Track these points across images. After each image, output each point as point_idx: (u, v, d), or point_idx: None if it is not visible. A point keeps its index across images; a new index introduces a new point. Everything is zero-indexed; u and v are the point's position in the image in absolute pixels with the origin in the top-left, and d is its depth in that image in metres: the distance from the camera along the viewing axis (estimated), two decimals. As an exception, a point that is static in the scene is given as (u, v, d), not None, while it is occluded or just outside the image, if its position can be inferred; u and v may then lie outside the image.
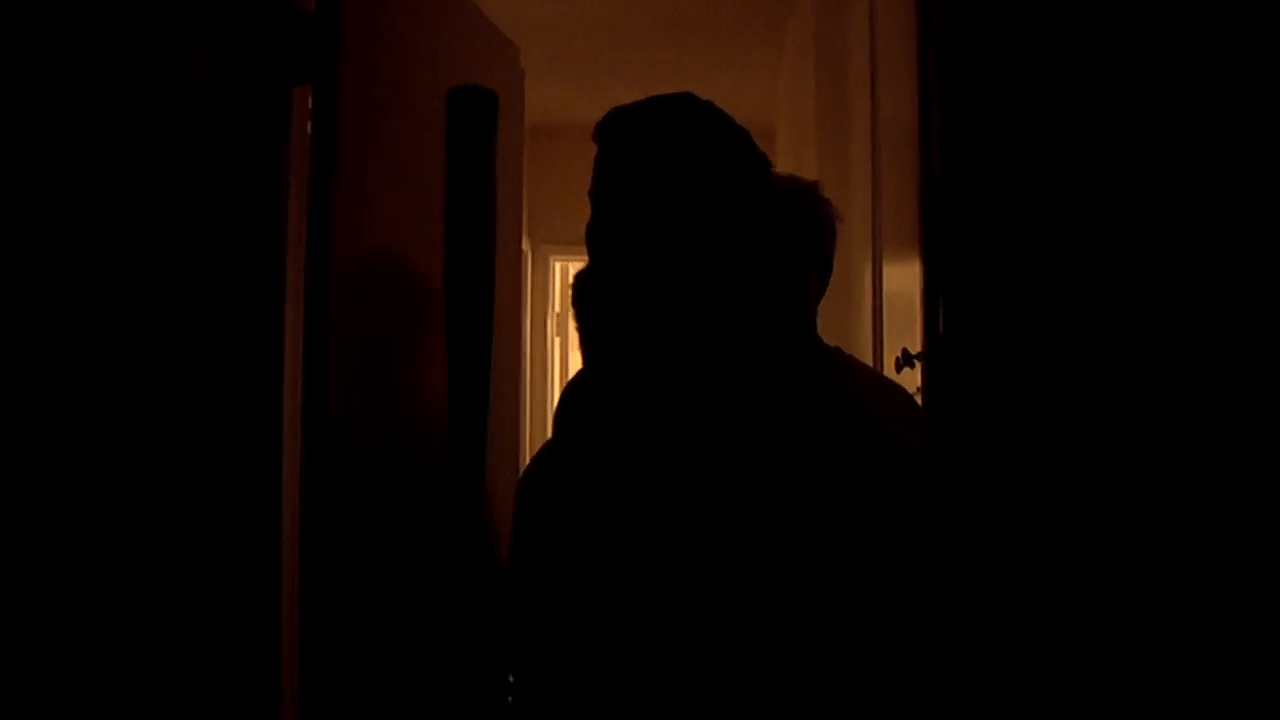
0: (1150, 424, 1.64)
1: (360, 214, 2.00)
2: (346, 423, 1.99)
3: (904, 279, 2.16)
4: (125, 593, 1.78)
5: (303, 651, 1.88)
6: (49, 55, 1.79)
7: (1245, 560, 1.62)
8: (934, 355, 1.72)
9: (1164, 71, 1.68)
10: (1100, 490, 1.64)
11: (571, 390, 1.67)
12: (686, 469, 1.47)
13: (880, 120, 2.71)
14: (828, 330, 3.47)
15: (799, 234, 1.78)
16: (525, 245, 5.90)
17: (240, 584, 1.83)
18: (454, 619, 2.05)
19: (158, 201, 1.82)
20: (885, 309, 2.65)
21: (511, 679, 2.00)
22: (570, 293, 2.44)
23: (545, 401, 6.16)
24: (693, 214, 1.49)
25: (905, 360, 2.10)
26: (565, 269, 6.45)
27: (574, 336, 6.79)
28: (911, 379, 1.96)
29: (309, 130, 1.90)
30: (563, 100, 5.27)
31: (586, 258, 1.57)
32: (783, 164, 4.63)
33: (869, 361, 2.79)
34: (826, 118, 3.58)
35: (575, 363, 6.48)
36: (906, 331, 2.14)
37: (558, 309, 6.38)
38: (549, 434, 5.64)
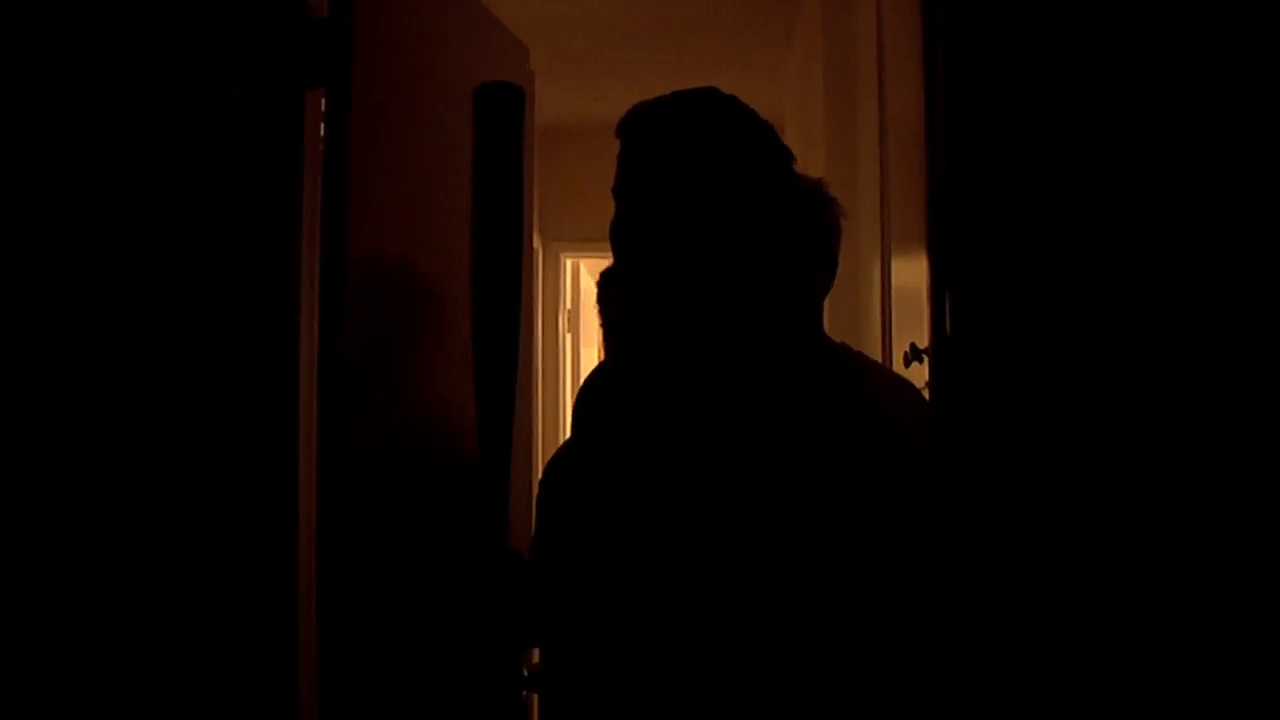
0: (1156, 420, 1.65)
1: (373, 214, 2.02)
2: (363, 422, 2.00)
3: (912, 274, 2.17)
4: (125, 592, 1.79)
5: (320, 651, 1.89)
6: (49, 55, 1.80)
7: (1257, 558, 1.62)
8: (940, 352, 1.72)
9: (1168, 69, 1.69)
10: (1106, 487, 1.65)
11: (591, 385, 1.68)
12: (708, 461, 1.48)
13: (888, 118, 2.72)
14: (837, 325, 3.49)
15: (810, 230, 1.80)
16: (536, 243, 5.92)
17: (249, 583, 1.83)
18: (471, 616, 2.06)
19: (157, 201, 1.83)
20: (894, 304, 2.66)
21: (528, 672, 2.02)
22: (596, 290, 2.45)
23: (557, 398, 6.17)
24: (718, 208, 1.49)
25: (913, 355, 2.11)
26: (576, 266, 6.46)
27: (585, 334, 6.80)
28: (919, 373, 1.97)
29: (322, 133, 1.92)
30: (570, 101, 5.28)
31: (598, 255, 1.59)
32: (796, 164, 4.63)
33: (878, 355, 2.80)
34: (835, 116, 3.59)
35: (587, 359, 6.49)
36: (915, 326, 2.15)
37: (568, 306, 6.39)
38: (562, 430, 5.65)
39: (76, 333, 1.81)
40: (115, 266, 1.82)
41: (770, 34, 4.67)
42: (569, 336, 6.40)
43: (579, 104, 5.29)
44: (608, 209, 1.58)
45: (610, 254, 1.60)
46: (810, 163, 3.95)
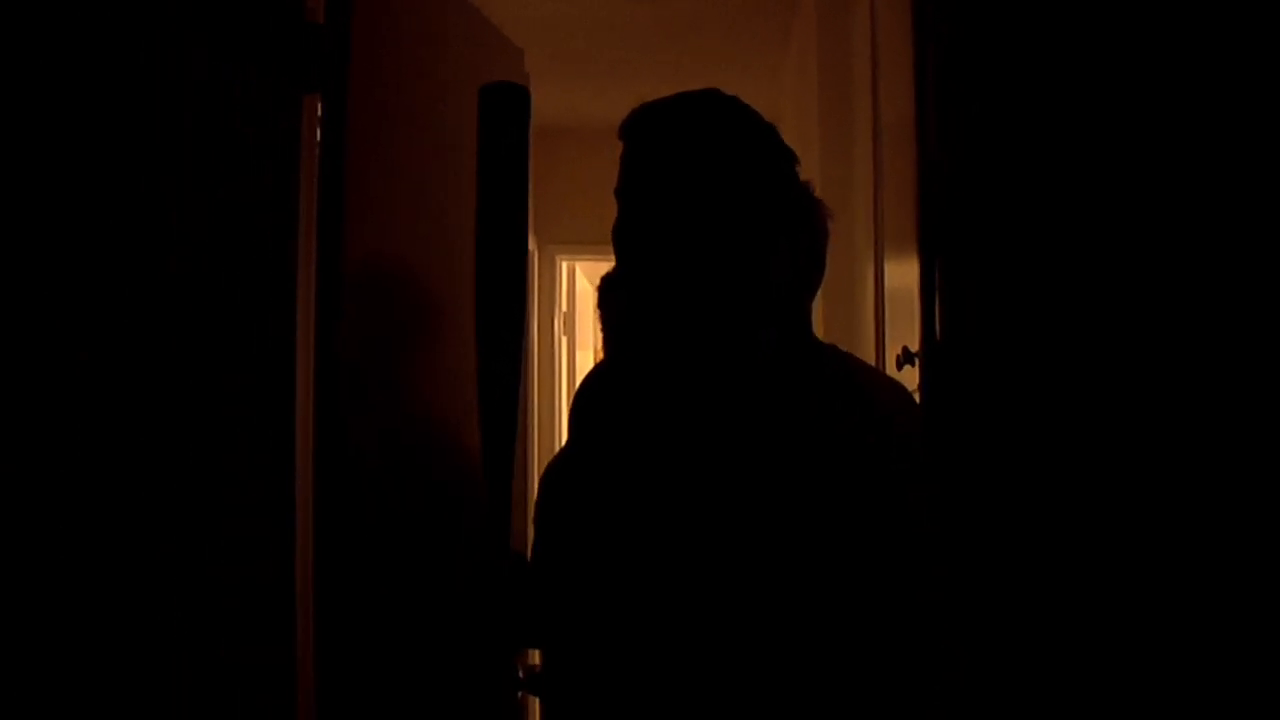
0: (1143, 426, 1.66)
1: (370, 216, 2.04)
2: (360, 422, 2.01)
3: (905, 276, 2.18)
4: (123, 592, 1.79)
5: (318, 651, 1.89)
6: (49, 55, 1.81)
7: (1244, 560, 1.63)
8: (930, 358, 1.73)
9: (1158, 72, 1.70)
10: (1093, 489, 1.66)
11: (587, 388, 1.68)
12: (710, 463, 1.48)
13: (882, 119, 2.74)
14: (832, 327, 3.51)
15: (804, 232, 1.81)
16: (532, 245, 5.93)
17: (247, 583, 1.83)
18: (468, 616, 2.07)
19: (157, 201, 1.83)
20: (887, 306, 2.67)
21: (524, 674, 2.03)
22: (596, 295, 2.45)
23: (552, 400, 6.18)
24: (722, 210, 1.49)
25: (906, 358, 2.12)
26: (571, 269, 6.47)
27: (580, 336, 6.78)
28: (912, 376, 1.98)
29: (318, 136, 1.93)
30: (566, 102, 5.28)
31: (594, 258, 1.59)
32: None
33: (871, 357, 2.82)
34: (830, 117, 3.61)
35: (583, 362, 6.50)
36: (908, 329, 2.17)
37: (564, 309, 6.40)
38: (558, 433, 5.64)
39: (76, 332, 1.81)
40: (116, 266, 1.83)
41: (768, 34, 4.68)
42: (564, 339, 6.41)
43: (575, 105, 5.29)
44: (604, 211, 1.58)
45: (609, 257, 1.60)
46: (806, 164, 3.96)
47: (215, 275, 1.84)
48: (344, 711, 1.92)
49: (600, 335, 2.43)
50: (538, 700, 2.33)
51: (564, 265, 6.31)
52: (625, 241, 1.53)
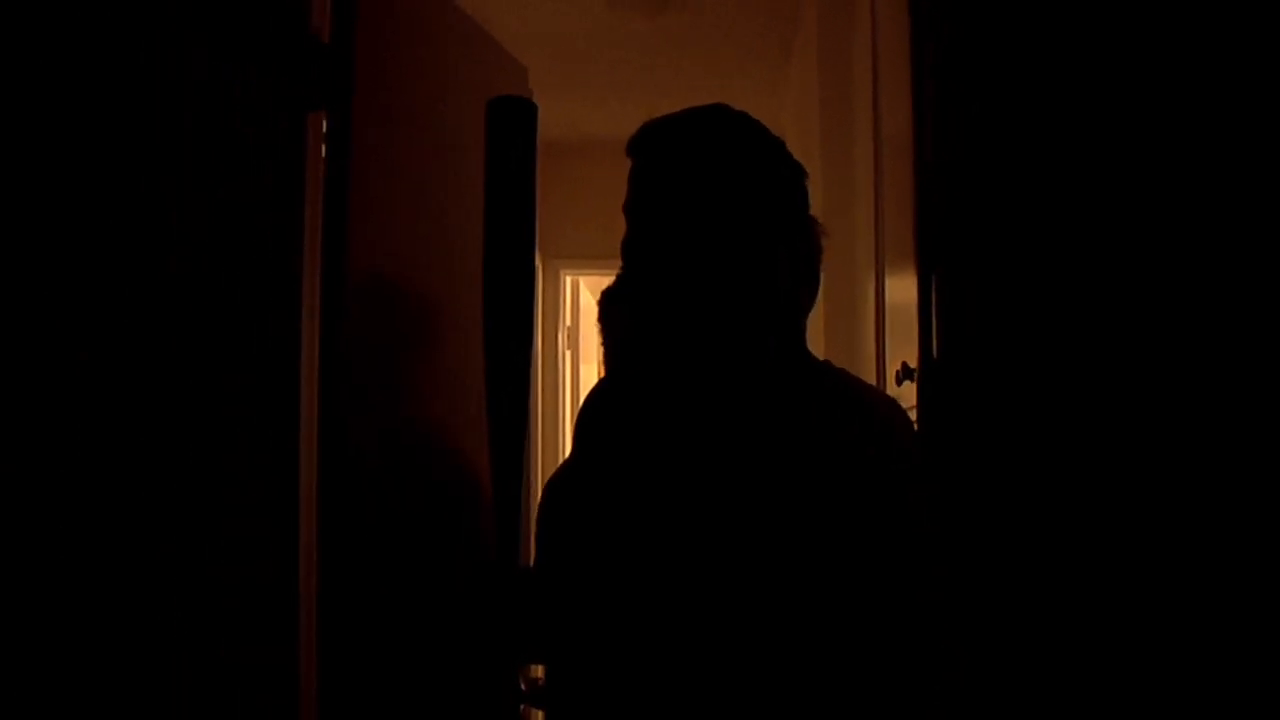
0: (1137, 445, 1.66)
1: (373, 227, 2.06)
2: (363, 424, 2.03)
3: (906, 292, 2.20)
4: (124, 592, 1.79)
5: (321, 651, 1.91)
6: (50, 55, 1.80)
7: (1236, 576, 1.64)
8: (927, 374, 1.73)
9: (1159, 76, 1.70)
10: (1089, 507, 1.66)
11: (592, 403, 1.69)
12: (718, 473, 1.49)
13: (882, 131, 2.75)
14: (833, 342, 3.52)
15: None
16: (536, 260, 5.95)
17: (247, 584, 1.84)
18: (470, 624, 2.07)
19: (157, 201, 1.85)
20: (888, 321, 2.68)
21: (526, 686, 2.03)
22: (598, 309, 2.46)
23: (556, 413, 6.19)
24: (729, 224, 1.51)
25: (905, 373, 2.13)
26: (575, 283, 6.48)
27: (585, 350, 6.80)
28: (911, 392, 1.99)
29: (323, 153, 1.96)
30: (570, 117, 5.31)
31: (598, 272, 1.60)
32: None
33: (872, 373, 2.83)
34: (831, 130, 3.63)
35: (586, 376, 6.51)
36: (908, 344, 2.18)
37: (568, 323, 6.41)
38: (561, 446, 5.65)
39: (76, 332, 1.81)
40: (116, 266, 1.83)
41: (770, 50, 4.70)
42: (569, 353, 6.42)
43: (579, 121, 5.31)
44: (608, 225, 1.59)
45: (614, 271, 1.61)
46: (809, 179, 3.98)
47: (215, 276, 1.86)
48: (346, 712, 1.93)
49: (602, 349, 2.44)
50: (541, 714, 2.33)
51: (568, 279, 6.33)
52: (635, 255, 1.54)
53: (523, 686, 1.98)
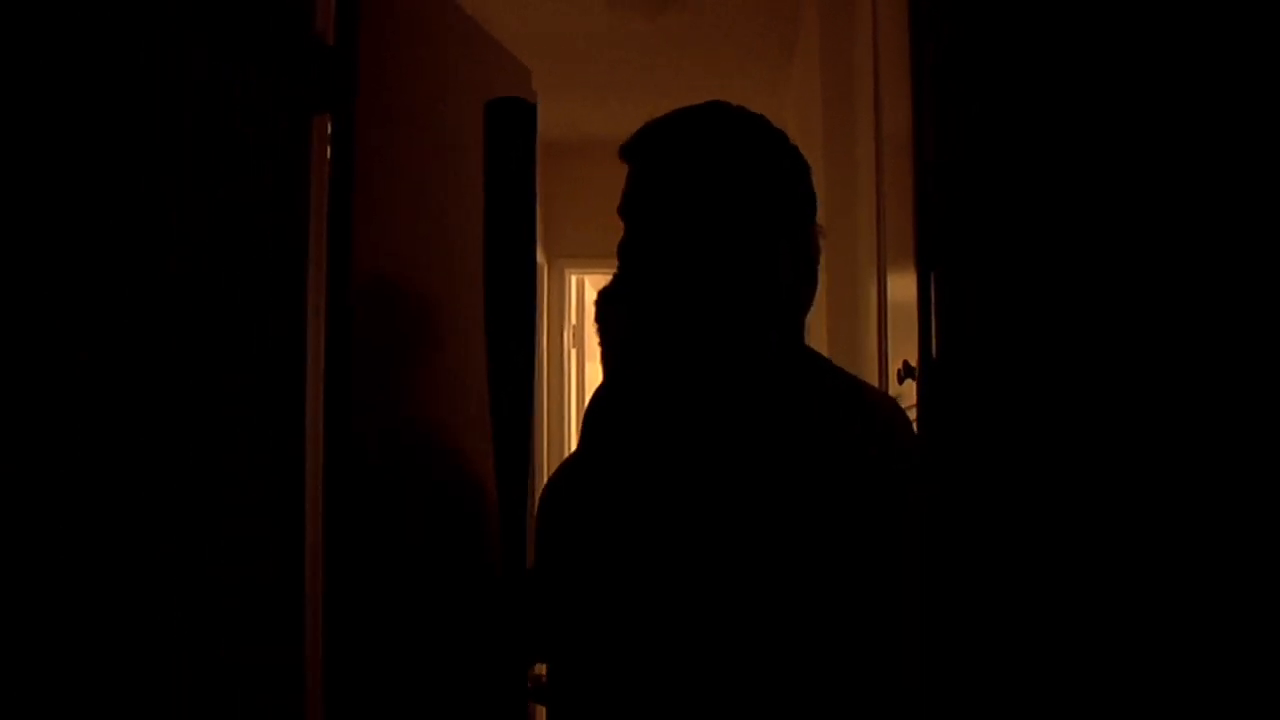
0: (1137, 447, 1.66)
1: (378, 228, 2.08)
2: (369, 425, 2.04)
3: (907, 290, 2.20)
4: (122, 591, 1.79)
5: (326, 652, 1.91)
6: (51, 55, 1.83)
7: (1236, 585, 1.64)
8: (926, 374, 1.73)
9: (1160, 76, 1.71)
10: (1090, 509, 1.66)
11: (598, 402, 1.69)
12: (722, 470, 1.48)
13: (883, 134, 2.77)
14: (835, 341, 3.53)
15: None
16: (541, 259, 5.96)
17: (249, 584, 1.84)
18: (477, 623, 2.08)
19: (157, 201, 1.85)
20: (890, 320, 2.70)
21: (533, 684, 2.04)
22: (594, 309, 2.47)
23: (562, 412, 6.21)
24: (730, 220, 1.51)
25: (907, 372, 2.14)
26: (580, 282, 6.50)
27: (590, 349, 6.85)
28: (913, 391, 1.99)
29: (328, 155, 1.97)
30: (574, 117, 5.32)
31: (602, 271, 1.60)
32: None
33: (874, 371, 2.84)
34: (833, 132, 3.64)
35: (592, 374, 6.53)
36: (910, 343, 2.18)
37: (573, 321, 6.43)
38: (567, 445, 5.67)
39: (76, 332, 1.82)
40: (116, 266, 1.84)
41: (771, 50, 4.71)
42: (574, 352, 6.44)
43: (582, 120, 5.33)
44: (612, 225, 1.59)
45: (617, 270, 1.61)
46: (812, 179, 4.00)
47: (216, 276, 1.86)
48: (353, 713, 1.94)
49: (600, 349, 2.45)
50: (544, 709, 2.34)
51: (573, 279, 6.35)
52: (635, 255, 1.55)
53: (529, 684, 1.99)
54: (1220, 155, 1.68)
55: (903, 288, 2.34)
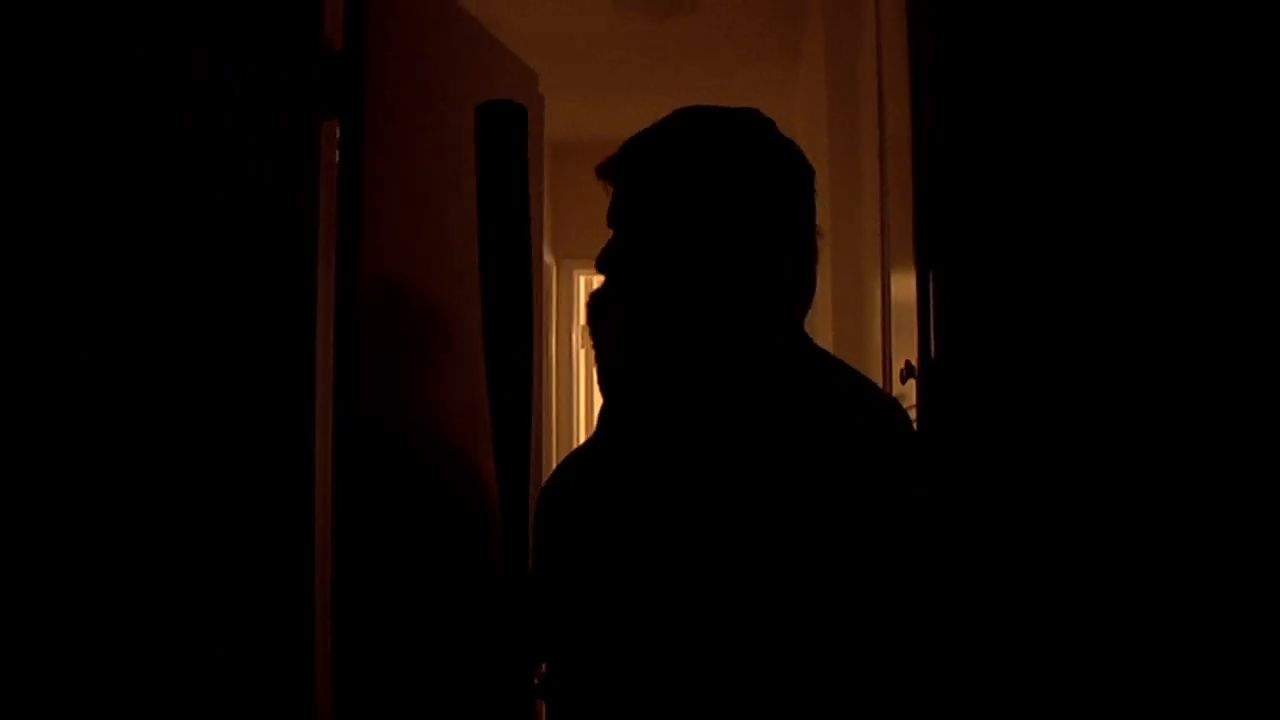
0: (1131, 448, 1.67)
1: (383, 233, 2.09)
2: (376, 426, 2.05)
3: (909, 290, 2.22)
4: (121, 592, 1.81)
5: (335, 651, 1.91)
6: (51, 55, 1.86)
7: (1235, 582, 1.65)
8: (925, 375, 1.74)
9: (1154, 80, 1.72)
10: (1086, 510, 1.67)
11: (604, 410, 1.69)
12: (721, 468, 1.47)
13: (887, 134, 2.78)
14: (841, 341, 3.54)
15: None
16: (550, 259, 5.98)
17: (254, 583, 1.85)
18: (483, 623, 2.08)
19: (157, 201, 1.87)
20: (893, 320, 2.71)
21: (540, 679, 2.04)
22: (586, 311, 2.46)
23: (571, 412, 6.23)
24: (727, 221, 1.50)
25: (909, 372, 2.15)
26: (590, 283, 6.52)
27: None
28: (914, 390, 2.00)
29: (336, 159, 1.99)
30: (581, 119, 5.34)
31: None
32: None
33: (878, 370, 2.86)
34: (838, 133, 3.66)
35: (600, 374, 6.53)
36: (913, 342, 2.20)
37: (583, 322, 6.44)
38: (576, 443, 5.68)
39: (76, 332, 1.84)
40: (116, 266, 1.86)
41: (778, 52, 4.72)
42: (583, 351, 6.46)
43: (590, 122, 5.34)
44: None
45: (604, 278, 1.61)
46: (817, 181, 4.01)
47: (218, 276, 1.88)
48: (363, 712, 1.95)
49: (594, 351, 2.44)
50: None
51: (581, 279, 6.37)
52: (627, 259, 1.54)
53: (536, 681, 2.00)
54: (1215, 157, 1.69)
55: (905, 288, 2.36)
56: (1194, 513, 1.67)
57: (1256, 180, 1.68)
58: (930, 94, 1.77)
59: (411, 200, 2.20)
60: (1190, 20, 1.69)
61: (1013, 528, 1.67)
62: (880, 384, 2.69)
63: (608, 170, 1.58)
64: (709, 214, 1.51)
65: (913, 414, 1.86)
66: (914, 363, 2.03)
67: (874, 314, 3.04)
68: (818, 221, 1.90)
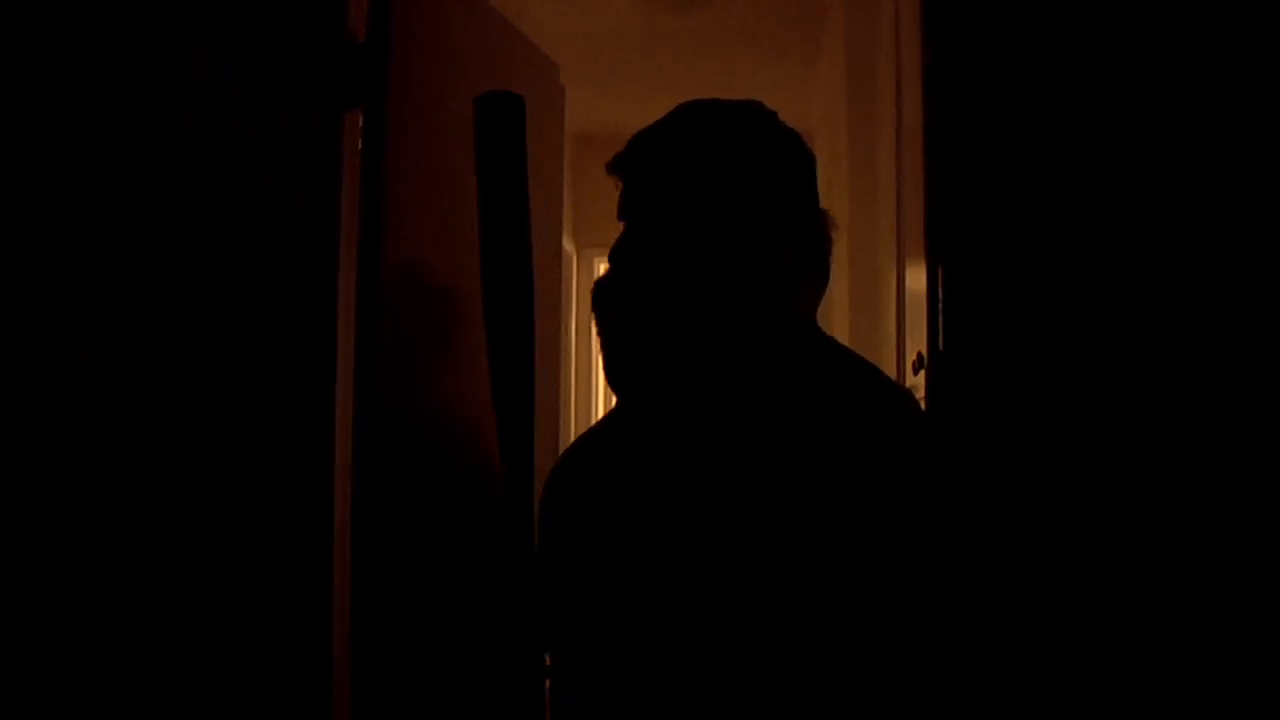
0: (1136, 442, 1.68)
1: (405, 223, 2.12)
2: (397, 420, 2.07)
3: (923, 283, 2.23)
4: (121, 592, 1.82)
5: (353, 651, 1.92)
6: (50, 55, 1.88)
7: (1243, 562, 1.66)
8: (934, 366, 1.75)
9: (1155, 75, 1.73)
10: (1091, 502, 1.69)
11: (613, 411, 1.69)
12: (723, 460, 1.47)
13: (903, 130, 2.80)
14: (856, 333, 3.56)
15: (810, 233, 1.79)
16: (570, 248, 6.00)
17: (259, 584, 1.85)
18: (496, 615, 2.09)
19: (157, 201, 1.89)
20: (907, 311, 2.73)
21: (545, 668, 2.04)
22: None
23: (590, 400, 6.26)
24: (726, 214, 1.51)
25: (920, 363, 2.17)
26: (610, 272, 6.53)
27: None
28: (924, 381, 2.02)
29: (359, 148, 2.02)
30: (604, 111, 5.36)
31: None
32: (821, 173, 4.71)
33: (892, 361, 2.88)
34: (858, 127, 3.67)
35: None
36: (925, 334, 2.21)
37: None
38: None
39: (76, 332, 1.86)
40: (116, 266, 1.88)
41: (799, 49, 4.74)
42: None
43: (612, 114, 5.35)
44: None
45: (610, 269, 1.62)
46: (836, 175, 4.04)
47: (216, 275, 1.89)
48: (378, 710, 1.95)
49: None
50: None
51: (602, 268, 6.39)
52: (632, 252, 1.56)
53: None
54: (1214, 148, 1.70)
55: (919, 281, 2.37)
56: (1196, 501, 1.68)
57: (1254, 165, 1.69)
58: (932, 93, 1.78)
59: (433, 190, 2.22)
60: (1183, 18, 1.71)
61: (1015, 520, 1.68)
62: (894, 375, 2.71)
63: (616, 165, 1.60)
64: (710, 206, 1.52)
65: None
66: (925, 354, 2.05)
67: (889, 306, 3.07)
68: (833, 215, 1.91)
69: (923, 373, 2.14)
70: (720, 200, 1.52)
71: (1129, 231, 1.71)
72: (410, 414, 2.14)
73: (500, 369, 1.57)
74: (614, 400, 1.99)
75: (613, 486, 1.56)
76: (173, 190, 1.89)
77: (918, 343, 2.33)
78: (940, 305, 1.72)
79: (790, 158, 1.57)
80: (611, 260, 1.59)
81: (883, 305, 3.22)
